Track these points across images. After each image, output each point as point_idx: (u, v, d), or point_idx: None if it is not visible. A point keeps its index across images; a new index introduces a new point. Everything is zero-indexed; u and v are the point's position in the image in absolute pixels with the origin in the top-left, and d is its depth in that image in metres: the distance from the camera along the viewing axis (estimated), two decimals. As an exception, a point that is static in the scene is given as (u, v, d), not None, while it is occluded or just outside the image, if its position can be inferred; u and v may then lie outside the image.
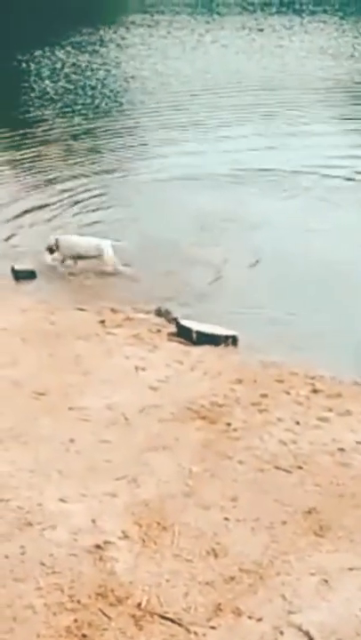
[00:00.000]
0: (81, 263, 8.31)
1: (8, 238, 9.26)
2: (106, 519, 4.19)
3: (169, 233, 9.19)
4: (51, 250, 8.28)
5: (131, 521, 4.19)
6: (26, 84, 19.69)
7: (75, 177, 11.78)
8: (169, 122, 15.53)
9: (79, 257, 8.29)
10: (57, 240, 8.28)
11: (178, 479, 4.52)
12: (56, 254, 8.30)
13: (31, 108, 17.23)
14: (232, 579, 3.82)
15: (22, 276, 7.99)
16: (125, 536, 4.08)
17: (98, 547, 4.00)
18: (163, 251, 8.68)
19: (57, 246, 8.26)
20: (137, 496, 4.38)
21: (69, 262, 8.33)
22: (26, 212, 10.12)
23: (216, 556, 3.96)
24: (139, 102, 17.70)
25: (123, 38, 26.76)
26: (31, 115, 16.66)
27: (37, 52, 23.37)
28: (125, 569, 3.87)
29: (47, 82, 19.82)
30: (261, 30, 28.32)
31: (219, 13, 34.71)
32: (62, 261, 8.33)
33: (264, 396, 5.46)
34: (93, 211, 10.32)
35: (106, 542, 4.03)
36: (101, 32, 27.78)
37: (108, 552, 3.97)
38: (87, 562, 3.92)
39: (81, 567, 3.88)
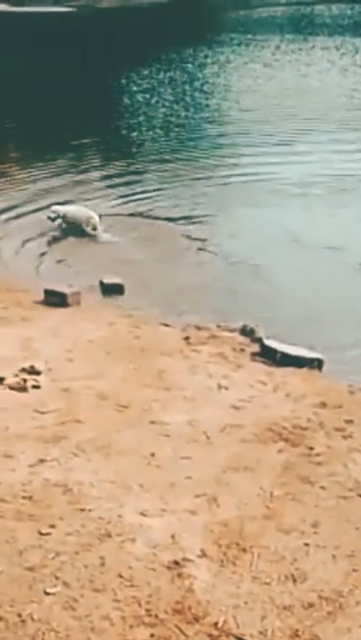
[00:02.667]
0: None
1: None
2: (185, 536, 4.19)
3: (257, 250, 9.20)
4: (51, 220, 9.91)
5: (210, 540, 4.17)
6: (111, 99, 20.39)
7: (151, 183, 12.22)
8: (248, 135, 15.77)
9: (73, 222, 9.88)
10: (56, 210, 9.98)
11: (258, 501, 4.49)
12: (57, 221, 9.91)
13: (114, 120, 17.88)
14: (311, 605, 3.76)
15: (110, 289, 8.10)
16: (204, 554, 4.07)
17: (176, 563, 4.00)
18: (249, 267, 8.69)
19: (56, 215, 9.88)
20: (217, 515, 4.36)
21: (64, 226, 9.93)
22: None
23: (295, 581, 3.91)
24: (218, 116, 18.05)
25: (206, 56, 27.19)
26: (114, 126, 17.35)
27: (124, 69, 24.11)
28: (203, 587, 3.85)
29: (130, 96, 20.46)
30: (347, 51, 28.20)
31: (307, 33, 34.69)
32: (61, 227, 9.92)
33: (349, 422, 5.37)
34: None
35: (184, 559, 4.02)
36: (189, 50, 28.27)
37: (187, 569, 3.96)
38: (165, 577, 3.92)
39: (159, 582, 3.89)
